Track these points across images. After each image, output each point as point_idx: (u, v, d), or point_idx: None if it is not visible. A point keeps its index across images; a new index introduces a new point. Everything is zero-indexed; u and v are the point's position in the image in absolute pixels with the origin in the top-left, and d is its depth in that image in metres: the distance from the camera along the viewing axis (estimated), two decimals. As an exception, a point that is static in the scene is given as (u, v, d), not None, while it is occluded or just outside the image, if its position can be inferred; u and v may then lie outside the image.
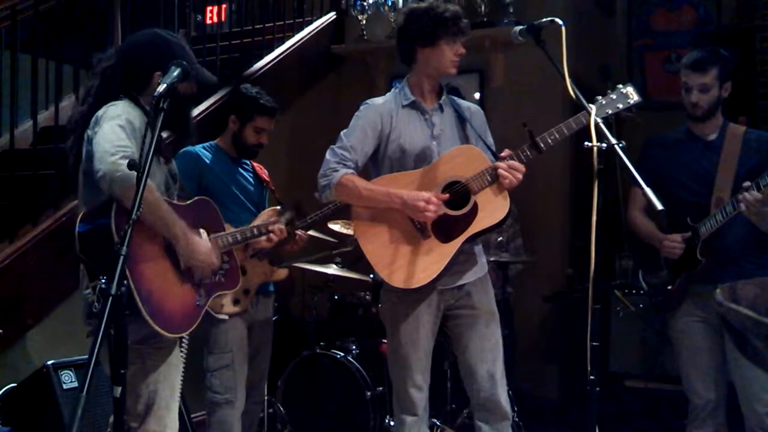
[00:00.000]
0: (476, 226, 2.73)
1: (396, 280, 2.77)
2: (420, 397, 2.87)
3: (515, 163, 2.70)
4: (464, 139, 2.90)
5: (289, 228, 3.25)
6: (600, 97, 2.64)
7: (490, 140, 2.94)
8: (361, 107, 2.95)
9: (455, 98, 3.02)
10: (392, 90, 3.02)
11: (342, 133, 2.90)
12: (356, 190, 2.79)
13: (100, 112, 2.33)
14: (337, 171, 2.80)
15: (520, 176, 2.70)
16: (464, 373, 2.92)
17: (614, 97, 2.64)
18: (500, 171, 2.69)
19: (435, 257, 2.76)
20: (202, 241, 2.50)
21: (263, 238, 3.14)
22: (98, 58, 2.49)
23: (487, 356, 2.87)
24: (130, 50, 2.50)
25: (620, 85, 2.67)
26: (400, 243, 2.79)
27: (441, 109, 2.92)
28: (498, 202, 2.73)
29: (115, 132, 2.24)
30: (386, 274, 2.78)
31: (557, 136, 2.70)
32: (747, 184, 2.75)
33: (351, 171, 2.82)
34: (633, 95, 2.64)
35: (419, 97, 2.92)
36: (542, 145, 2.68)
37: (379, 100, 2.96)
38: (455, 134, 2.90)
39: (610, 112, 2.61)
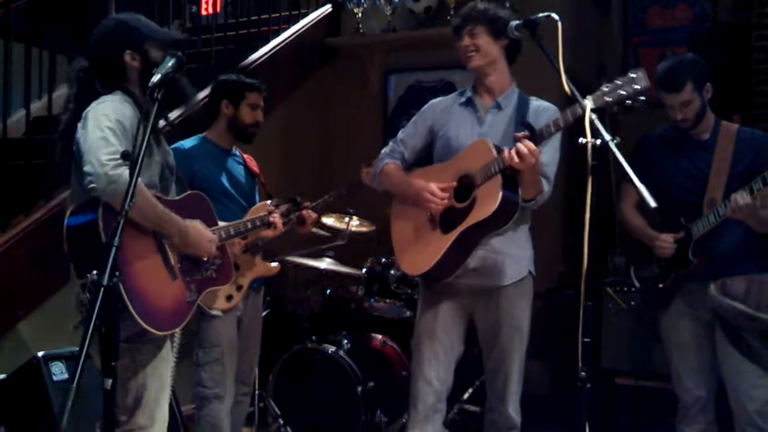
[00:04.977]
0: (469, 220, 2.70)
1: (404, 265, 2.97)
2: (427, 391, 2.86)
3: (524, 146, 2.52)
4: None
5: (285, 219, 3.25)
6: (605, 84, 2.46)
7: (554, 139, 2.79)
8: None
9: (528, 97, 2.92)
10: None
11: None
12: (391, 179, 2.98)
13: (89, 109, 2.30)
14: (383, 161, 3.02)
15: (531, 159, 2.51)
16: (485, 370, 2.96)
17: (619, 82, 2.43)
18: (506, 154, 2.57)
19: (434, 248, 2.77)
20: (196, 226, 2.49)
21: (268, 230, 3.15)
22: (71, 67, 2.47)
23: (504, 371, 2.86)
24: (94, 43, 2.46)
25: (631, 71, 2.42)
26: (415, 231, 2.88)
27: (499, 107, 2.89)
28: (490, 197, 2.65)
29: (107, 138, 2.21)
30: (399, 258, 2.98)
31: (552, 128, 2.60)
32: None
33: (396, 162, 2.99)
34: (641, 81, 2.39)
35: (479, 94, 2.93)
36: (538, 139, 2.58)
37: (439, 99, 3.06)
38: (507, 132, 2.81)
39: (610, 100, 2.40)
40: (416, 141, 2.99)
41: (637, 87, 2.39)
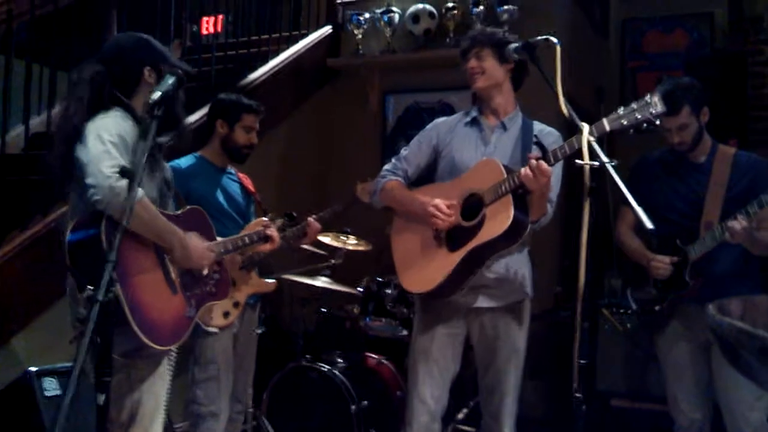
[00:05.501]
0: (478, 239, 2.68)
1: (406, 283, 2.91)
2: (421, 410, 2.85)
3: (540, 165, 2.51)
4: (521, 158, 2.79)
5: (281, 234, 3.26)
6: (621, 107, 2.43)
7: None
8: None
9: (532, 122, 2.94)
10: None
11: None
12: (395, 195, 2.96)
13: (91, 124, 2.31)
14: (385, 177, 3.01)
15: (543, 178, 2.52)
16: (480, 389, 2.94)
17: (635, 107, 2.40)
18: (523, 174, 2.55)
19: (440, 266, 2.74)
20: (197, 242, 2.50)
21: (265, 244, 3.14)
22: (81, 68, 2.45)
23: (500, 391, 2.86)
24: (114, 53, 2.48)
25: (648, 95, 2.38)
26: (419, 248, 2.86)
27: (504, 127, 2.91)
28: (501, 215, 2.62)
29: (109, 151, 2.22)
30: (401, 276, 2.92)
31: (567, 149, 2.54)
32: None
33: (397, 179, 2.99)
34: (657, 105, 2.35)
35: (484, 114, 2.95)
36: (552, 159, 2.56)
37: (444, 118, 3.07)
38: (513, 153, 2.84)
39: (625, 123, 2.38)
40: (420, 159, 3.00)
41: (653, 111, 2.37)
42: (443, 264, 2.74)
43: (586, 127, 2.34)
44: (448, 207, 2.76)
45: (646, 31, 6.28)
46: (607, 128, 2.41)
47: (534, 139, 2.68)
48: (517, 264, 2.85)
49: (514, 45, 2.68)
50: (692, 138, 2.96)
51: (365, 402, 3.88)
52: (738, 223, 2.73)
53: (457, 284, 2.75)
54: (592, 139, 2.29)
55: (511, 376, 2.86)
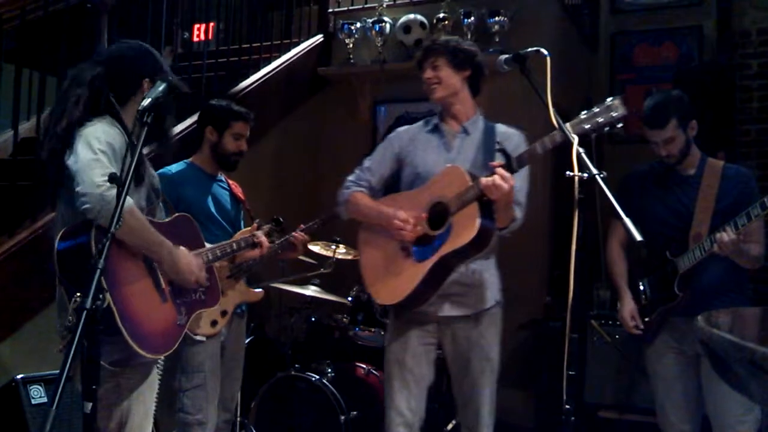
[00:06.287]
0: (446, 248, 2.67)
1: (376, 294, 2.90)
2: (398, 421, 2.84)
3: (499, 174, 2.52)
4: (484, 162, 2.78)
5: (270, 240, 3.25)
6: (584, 112, 2.47)
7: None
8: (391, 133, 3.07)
9: (494, 124, 2.94)
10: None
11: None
12: (359, 207, 2.95)
13: (80, 131, 2.29)
14: (349, 189, 2.99)
15: (505, 187, 2.52)
16: (457, 403, 2.91)
17: (597, 110, 2.43)
18: (484, 183, 2.56)
19: (408, 277, 2.73)
20: (187, 254, 2.49)
21: (254, 250, 3.14)
22: (80, 68, 2.44)
23: (475, 403, 2.83)
24: (116, 58, 2.47)
25: (609, 98, 2.43)
26: (387, 260, 2.84)
27: (466, 132, 2.91)
28: (468, 224, 2.62)
29: (99, 159, 2.21)
30: (370, 288, 2.91)
31: (527, 155, 2.59)
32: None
33: (361, 190, 2.97)
34: (618, 108, 2.39)
35: (445, 121, 2.95)
36: (515, 166, 2.58)
37: (406, 127, 3.06)
38: (477, 157, 2.84)
39: (588, 127, 2.41)
40: (383, 169, 2.98)
41: (615, 114, 2.40)
42: (412, 274, 2.73)
43: (576, 139, 2.35)
44: (415, 217, 2.75)
45: (635, 44, 6.33)
46: (571, 133, 2.41)
47: (497, 146, 2.67)
48: (483, 271, 2.85)
49: (504, 56, 2.69)
50: (679, 151, 2.98)
51: (354, 412, 3.87)
52: (726, 235, 2.75)
53: (426, 294, 2.74)
54: (581, 150, 2.30)
55: (485, 388, 2.83)
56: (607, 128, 2.41)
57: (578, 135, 2.38)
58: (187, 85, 2.44)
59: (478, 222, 2.60)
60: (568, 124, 2.44)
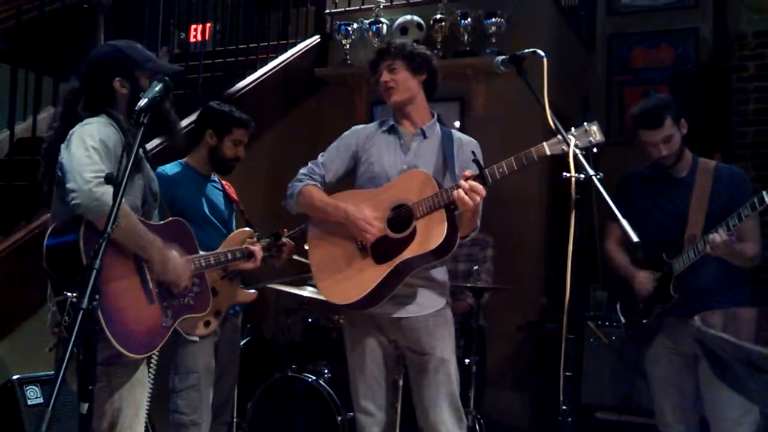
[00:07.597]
0: (409, 253, 2.63)
1: (327, 294, 2.82)
2: (369, 422, 2.86)
3: (471, 186, 2.51)
4: (443, 167, 2.82)
5: (265, 254, 3.24)
6: (566, 132, 2.44)
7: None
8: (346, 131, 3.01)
9: (450, 129, 2.94)
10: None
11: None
12: (312, 201, 2.86)
13: (74, 130, 2.30)
14: (301, 182, 2.91)
15: (477, 199, 2.50)
16: (416, 408, 2.87)
17: (575, 133, 2.44)
18: (456, 195, 2.53)
19: (366, 278, 2.69)
20: (177, 257, 2.49)
21: (248, 261, 3.13)
22: (62, 88, 2.49)
23: (434, 405, 2.78)
24: (85, 68, 2.47)
25: (586, 123, 2.48)
26: (341, 259, 2.80)
27: (423, 134, 2.90)
28: (434, 231, 2.59)
29: (90, 156, 2.21)
30: (321, 286, 2.85)
31: (505, 169, 2.56)
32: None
33: (314, 183, 2.90)
34: (596, 134, 2.44)
35: (401, 123, 2.93)
36: (489, 178, 2.56)
37: (362, 125, 3.02)
38: (435, 161, 2.84)
39: (565, 149, 2.37)
40: (338, 166, 2.94)
41: (592, 140, 2.45)
42: (370, 276, 2.68)
43: (572, 140, 2.36)
44: (375, 218, 2.72)
45: (632, 46, 6.34)
46: (548, 152, 2.49)
47: (472, 156, 2.63)
48: (433, 272, 2.82)
49: (501, 57, 2.69)
50: (676, 151, 2.98)
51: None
52: (718, 236, 2.75)
53: (380, 296, 2.70)
54: (578, 151, 2.31)
55: (441, 389, 2.79)
56: (584, 153, 2.38)
57: (554, 155, 2.44)
58: (183, 86, 2.45)
59: (445, 229, 2.58)
60: (545, 143, 2.49)
